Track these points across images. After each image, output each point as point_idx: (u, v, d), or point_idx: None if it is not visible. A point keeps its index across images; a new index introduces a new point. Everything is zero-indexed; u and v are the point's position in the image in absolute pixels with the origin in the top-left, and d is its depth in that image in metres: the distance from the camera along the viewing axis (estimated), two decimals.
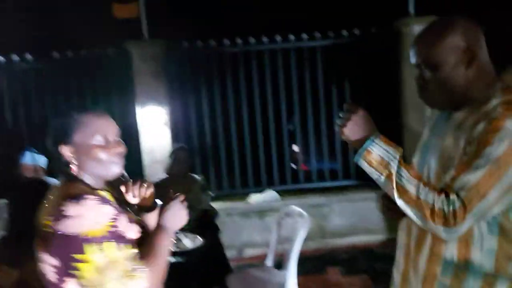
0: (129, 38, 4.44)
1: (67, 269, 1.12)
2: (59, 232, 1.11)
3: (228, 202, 4.64)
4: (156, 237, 1.30)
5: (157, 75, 4.47)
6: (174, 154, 3.57)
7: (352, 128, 1.26)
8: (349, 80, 4.77)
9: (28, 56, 4.46)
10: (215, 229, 3.21)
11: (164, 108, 4.48)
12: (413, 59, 1.36)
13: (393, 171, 1.21)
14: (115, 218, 1.18)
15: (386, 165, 1.22)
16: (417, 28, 4.51)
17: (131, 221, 1.29)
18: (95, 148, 1.25)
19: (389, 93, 4.77)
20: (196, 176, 3.63)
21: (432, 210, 1.15)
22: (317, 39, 4.68)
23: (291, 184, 4.94)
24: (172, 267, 2.51)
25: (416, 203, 1.18)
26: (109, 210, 1.18)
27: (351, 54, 4.70)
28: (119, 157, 1.29)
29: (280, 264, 3.15)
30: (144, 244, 1.28)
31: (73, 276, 1.11)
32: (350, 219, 4.63)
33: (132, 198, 1.47)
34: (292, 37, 4.63)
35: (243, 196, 4.75)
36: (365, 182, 4.86)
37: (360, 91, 4.75)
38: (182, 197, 1.37)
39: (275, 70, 4.72)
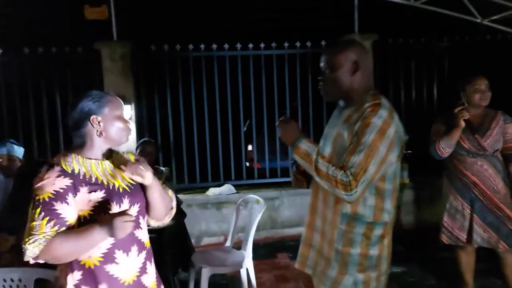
0: (99, 38, 4.73)
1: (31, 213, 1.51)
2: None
3: (188, 195, 5.00)
4: (86, 231, 1.50)
5: (125, 74, 4.78)
6: (142, 146, 3.90)
7: (286, 133, 1.84)
8: (301, 86, 5.30)
9: None
10: (181, 214, 3.59)
11: (131, 105, 4.79)
12: (321, 63, 1.94)
13: (313, 159, 1.77)
14: (57, 191, 1.49)
15: (309, 156, 1.78)
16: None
17: (96, 191, 1.55)
18: (117, 119, 1.66)
19: None
20: (161, 168, 3.98)
21: (336, 181, 1.71)
22: (273, 48, 5.17)
23: (246, 179, 5.39)
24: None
25: (327, 177, 1.73)
26: (59, 184, 1.50)
27: (304, 63, 5.24)
28: (129, 128, 1.70)
29: (237, 248, 3.56)
30: (79, 227, 1.53)
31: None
32: (298, 211, 5.13)
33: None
34: (251, 45, 5.10)
35: (202, 189, 5.14)
36: None
37: (309, 96, 5.30)
38: (131, 217, 1.52)
39: (235, 74, 5.15)
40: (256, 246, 4.40)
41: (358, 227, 1.83)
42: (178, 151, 5.20)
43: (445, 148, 2.97)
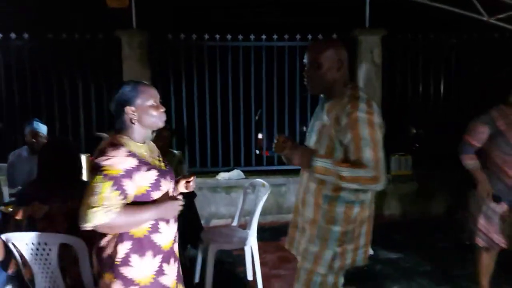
0: (119, 26, 4.96)
1: (90, 182, 1.69)
2: (96, 161, 1.71)
3: (199, 178, 5.23)
4: (142, 208, 1.75)
5: (142, 61, 5.01)
6: (158, 131, 4.12)
7: (300, 159, 1.98)
8: None
9: (25, 35, 4.89)
10: (192, 194, 3.82)
11: None
12: (305, 60, 2.09)
13: (333, 171, 1.91)
14: (127, 169, 1.70)
15: (329, 169, 1.92)
16: (369, 37, 5.28)
17: (151, 170, 1.78)
18: (150, 108, 1.81)
19: None
20: (175, 151, 4.22)
21: (364, 179, 1.88)
22: (285, 40, 5.35)
23: (255, 165, 5.63)
24: None
25: (353, 179, 1.89)
26: (129, 163, 1.71)
27: None
28: (163, 114, 1.85)
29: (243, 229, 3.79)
30: (138, 204, 1.75)
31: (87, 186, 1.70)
32: None
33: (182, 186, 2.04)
34: (264, 36, 5.29)
35: (213, 173, 5.39)
36: None
37: None
38: (181, 201, 1.83)
39: (248, 64, 5.35)
40: (261, 229, 4.62)
41: (339, 207, 2.03)
42: (191, 137, 5.45)
43: (468, 168, 2.98)
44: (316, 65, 2.04)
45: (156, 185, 1.80)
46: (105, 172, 1.67)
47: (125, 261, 1.78)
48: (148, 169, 1.78)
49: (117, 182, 1.68)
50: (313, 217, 2.10)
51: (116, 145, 1.74)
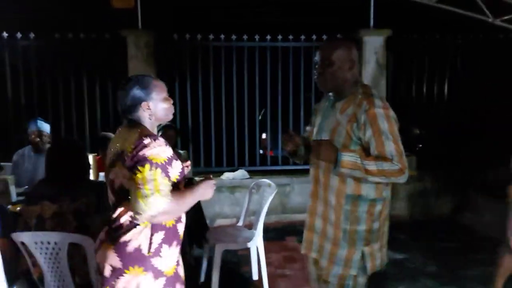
0: (123, 26, 4.97)
1: (131, 174, 1.68)
2: (138, 153, 1.68)
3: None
4: (186, 191, 1.78)
5: (148, 61, 5.03)
6: (163, 130, 4.15)
7: (325, 154, 1.99)
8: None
9: (31, 35, 4.91)
10: None
11: None
12: (317, 57, 2.12)
13: (360, 165, 1.94)
14: (169, 157, 1.73)
15: (355, 163, 1.94)
16: (374, 38, 5.29)
17: (178, 160, 1.82)
18: (163, 101, 1.84)
19: None
20: (180, 151, 4.23)
21: (389, 173, 1.92)
22: (290, 40, 5.36)
23: (260, 165, 5.63)
24: None
25: (379, 173, 1.93)
26: (169, 151, 1.75)
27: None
28: (172, 106, 1.89)
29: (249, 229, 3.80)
30: (178, 189, 1.77)
31: (133, 179, 1.67)
32: (308, 197, 5.33)
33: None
34: (269, 37, 5.30)
35: (217, 173, 5.38)
36: None
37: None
38: (214, 181, 1.88)
39: (252, 65, 5.37)
40: (266, 230, 4.61)
41: (362, 206, 2.04)
42: (195, 136, 5.46)
43: None
44: (327, 63, 2.06)
45: (182, 174, 1.83)
46: (153, 161, 1.67)
47: (157, 252, 1.77)
48: (176, 159, 1.81)
49: (164, 169, 1.70)
50: (336, 219, 2.09)
51: (151, 135, 1.74)
